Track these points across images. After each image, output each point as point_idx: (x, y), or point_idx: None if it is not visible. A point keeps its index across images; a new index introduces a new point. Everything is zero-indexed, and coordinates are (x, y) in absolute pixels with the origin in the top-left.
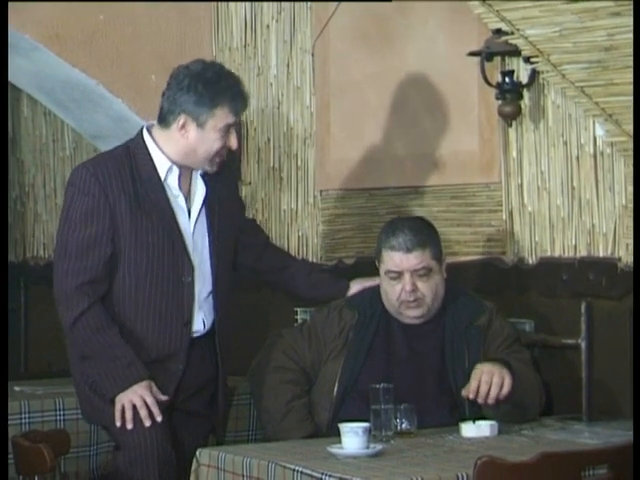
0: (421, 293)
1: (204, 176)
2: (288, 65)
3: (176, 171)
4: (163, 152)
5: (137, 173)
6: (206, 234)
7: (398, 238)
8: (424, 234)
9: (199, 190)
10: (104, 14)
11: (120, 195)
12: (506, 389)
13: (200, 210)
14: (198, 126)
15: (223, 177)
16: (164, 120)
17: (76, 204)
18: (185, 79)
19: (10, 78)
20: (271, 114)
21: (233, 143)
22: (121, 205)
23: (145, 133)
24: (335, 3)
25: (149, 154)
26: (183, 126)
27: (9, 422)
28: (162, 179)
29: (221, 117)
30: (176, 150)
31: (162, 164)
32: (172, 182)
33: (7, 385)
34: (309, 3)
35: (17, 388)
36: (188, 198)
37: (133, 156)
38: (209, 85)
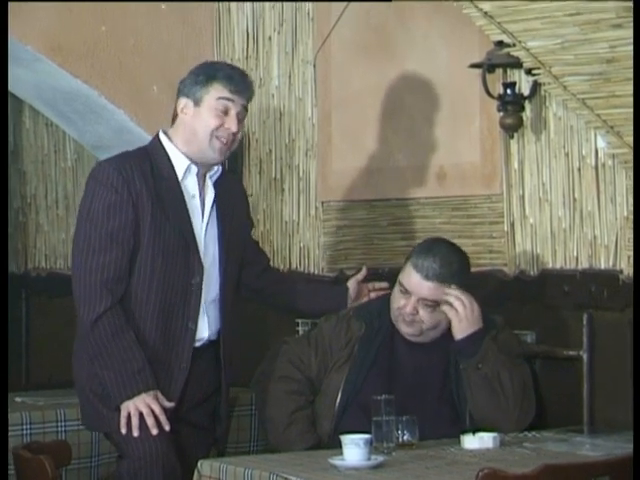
0: (419, 318)
1: (215, 183)
2: (290, 76)
3: (194, 171)
4: (180, 150)
5: (157, 170)
6: (216, 238)
7: (425, 260)
8: (451, 270)
9: (209, 194)
10: (106, 25)
11: (142, 189)
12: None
13: (211, 214)
14: (195, 104)
15: (233, 187)
16: (175, 115)
17: (99, 198)
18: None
19: (12, 89)
20: (273, 125)
21: (231, 124)
22: (143, 199)
23: (161, 134)
24: (336, 16)
25: (167, 154)
26: (182, 109)
27: (10, 433)
28: (179, 179)
29: (215, 93)
30: (183, 139)
31: (180, 163)
32: (190, 182)
33: (7, 396)
34: (311, 15)
35: (18, 399)
36: (202, 201)
37: (151, 156)
38: (205, 66)
